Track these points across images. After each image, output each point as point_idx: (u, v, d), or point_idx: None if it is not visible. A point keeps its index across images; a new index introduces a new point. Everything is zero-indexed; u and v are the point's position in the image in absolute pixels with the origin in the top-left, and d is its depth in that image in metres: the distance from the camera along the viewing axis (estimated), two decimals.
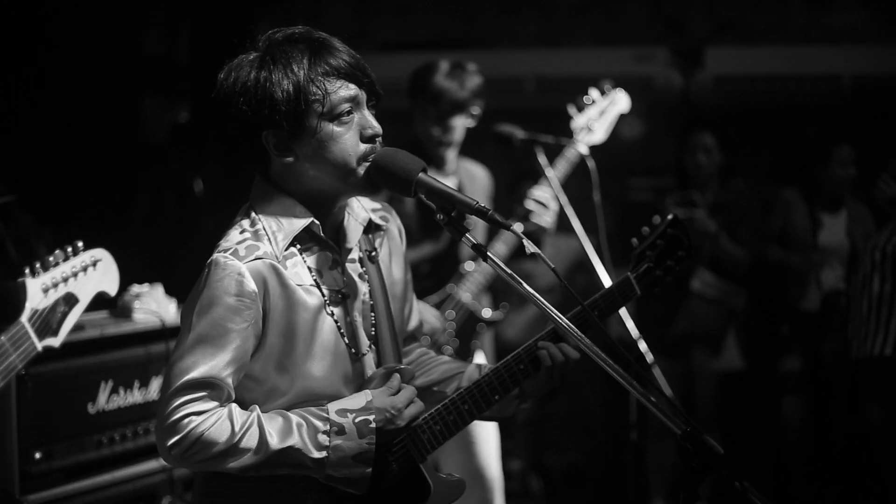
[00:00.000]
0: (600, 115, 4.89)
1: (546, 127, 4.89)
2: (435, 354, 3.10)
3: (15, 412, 3.95)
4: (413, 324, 3.07)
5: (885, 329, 5.20)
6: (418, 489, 2.81)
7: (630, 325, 4.39)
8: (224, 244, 2.66)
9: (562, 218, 4.64)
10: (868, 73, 7.40)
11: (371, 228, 2.87)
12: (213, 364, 2.59)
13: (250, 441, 2.58)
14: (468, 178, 4.92)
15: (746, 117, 7.60)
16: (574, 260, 7.25)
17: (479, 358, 4.84)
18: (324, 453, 2.60)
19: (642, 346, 4.30)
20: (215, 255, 2.63)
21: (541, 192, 4.74)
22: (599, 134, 4.88)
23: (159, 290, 4.70)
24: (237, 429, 2.58)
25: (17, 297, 4.26)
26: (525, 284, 2.49)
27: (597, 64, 7.43)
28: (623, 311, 4.32)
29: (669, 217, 3.04)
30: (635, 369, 2.50)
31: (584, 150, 4.76)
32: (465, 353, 4.75)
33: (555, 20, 8.19)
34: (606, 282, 4.09)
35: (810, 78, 7.48)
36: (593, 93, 4.94)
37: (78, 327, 4.31)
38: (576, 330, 2.49)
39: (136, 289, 4.65)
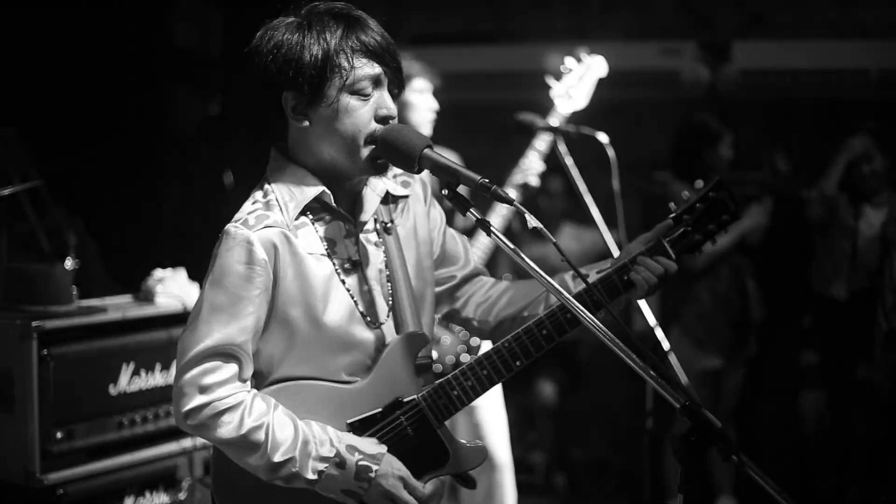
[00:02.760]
0: (579, 81, 4.93)
1: (573, 119, 4.92)
2: (507, 283, 3.06)
3: (37, 392, 4.01)
4: (467, 268, 3.05)
5: None
6: (437, 454, 2.82)
7: (648, 313, 4.41)
8: (236, 216, 2.70)
9: (585, 210, 4.65)
10: None
11: (390, 199, 2.89)
12: (228, 332, 2.63)
13: (256, 440, 2.62)
14: None
15: (774, 111, 7.56)
16: (595, 251, 7.26)
17: None
18: (316, 477, 2.65)
19: (659, 333, 4.31)
20: (227, 227, 2.67)
21: (528, 164, 4.78)
22: (580, 100, 4.91)
23: (182, 274, 4.76)
24: (248, 424, 2.62)
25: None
26: (526, 258, 2.50)
27: (624, 58, 7.39)
28: (642, 302, 4.34)
29: (715, 179, 2.90)
30: (637, 346, 2.52)
31: (565, 112, 4.81)
32: None
33: (584, 15, 8.19)
34: None
35: (838, 72, 7.44)
36: (569, 61, 4.97)
37: (100, 310, 4.39)
38: (577, 304, 2.50)
39: (159, 273, 4.71)
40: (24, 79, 6.45)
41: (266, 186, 2.74)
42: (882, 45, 7.47)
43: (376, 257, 2.81)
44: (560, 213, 7.44)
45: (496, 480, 4.85)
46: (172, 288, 4.64)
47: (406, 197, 2.92)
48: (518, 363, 2.80)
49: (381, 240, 2.83)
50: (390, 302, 2.81)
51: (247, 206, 2.72)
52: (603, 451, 7.78)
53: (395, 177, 2.91)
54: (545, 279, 2.51)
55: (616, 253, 4.25)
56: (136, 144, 7.03)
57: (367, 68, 2.66)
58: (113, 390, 4.29)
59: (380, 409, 2.77)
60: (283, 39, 2.66)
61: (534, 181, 4.80)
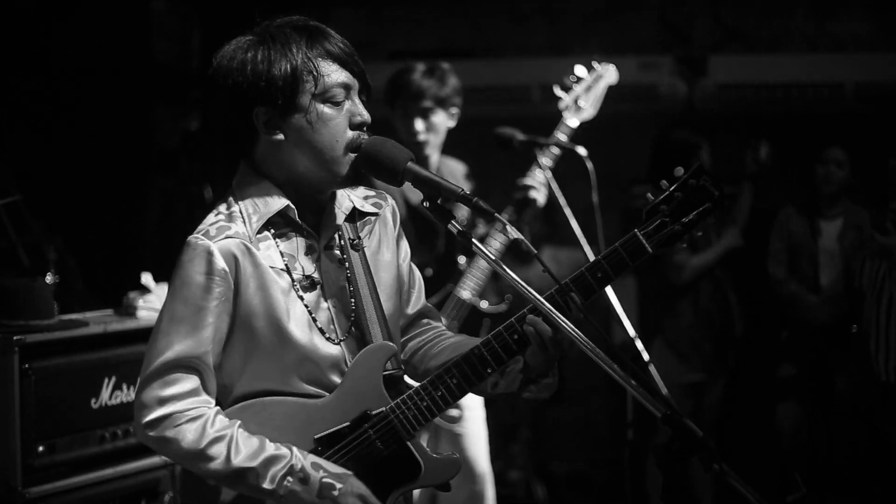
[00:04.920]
0: (587, 91, 4.93)
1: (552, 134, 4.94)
2: (451, 334, 3.02)
3: (18, 406, 4.00)
4: (417, 307, 3.03)
5: None
6: (408, 467, 2.78)
7: (627, 325, 4.43)
8: (199, 227, 2.70)
9: (563, 228, 4.67)
10: (871, 81, 7.43)
11: (356, 217, 2.88)
12: (189, 343, 2.62)
13: (216, 451, 2.61)
14: (450, 177, 4.97)
15: (750, 125, 7.62)
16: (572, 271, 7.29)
17: None
18: (275, 487, 2.62)
19: (639, 345, 4.33)
20: (188, 238, 2.67)
21: (531, 178, 4.79)
22: (589, 110, 4.91)
23: (163, 289, 4.74)
24: (210, 435, 2.61)
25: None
26: (509, 271, 2.52)
27: None
28: (621, 312, 4.36)
29: (696, 165, 2.72)
30: (618, 356, 2.53)
31: (574, 124, 4.82)
32: None
33: (562, 29, 8.23)
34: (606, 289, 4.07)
35: (814, 86, 7.51)
36: (579, 70, 4.98)
37: (81, 323, 4.39)
38: (556, 313, 2.52)
39: (145, 279, 4.72)
40: (5, 94, 6.45)
41: (230, 199, 2.74)
42: (857, 58, 7.55)
43: (338, 274, 2.80)
44: (535, 236, 7.45)
45: (477, 492, 4.86)
46: (153, 302, 4.64)
47: (374, 216, 2.91)
48: (489, 370, 2.72)
49: (345, 256, 2.81)
50: (352, 318, 2.80)
51: (210, 218, 2.71)
52: (584, 464, 7.80)
53: (366, 197, 2.91)
54: (525, 289, 2.53)
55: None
56: (116, 159, 7.03)
57: (336, 75, 2.67)
58: (95, 404, 4.28)
59: (347, 423, 2.74)
60: (247, 57, 2.66)
61: (540, 198, 4.80)
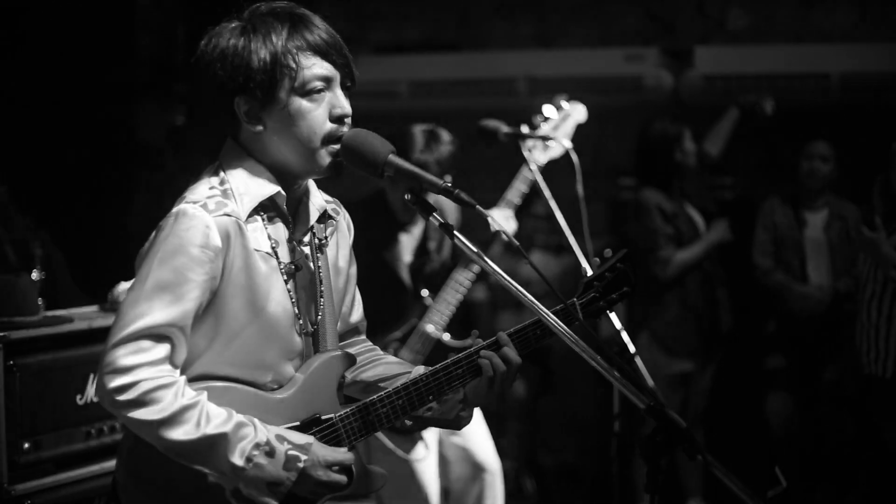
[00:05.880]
0: (554, 130, 4.91)
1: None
2: (381, 351, 3.10)
3: (3, 403, 3.98)
4: (356, 317, 3.08)
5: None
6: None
7: (614, 317, 4.43)
8: (191, 196, 2.66)
9: (550, 234, 4.70)
10: (857, 72, 7.44)
11: (324, 218, 2.89)
12: (169, 313, 2.58)
13: (187, 417, 2.57)
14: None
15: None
16: (558, 277, 7.30)
17: None
18: (244, 463, 2.60)
19: (625, 337, 4.33)
20: (183, 205, 2.63)
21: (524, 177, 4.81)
22: (556, 149, 4.87)
23: None
24: (181, 402, 2.57)
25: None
26: (490, 262, 2.52)
27: (588, 65, 7.49)
28: None
29: (622, 252, 3.05)
30: (603, 349, 2.54)
31: (541, 162, 4.82)
32: None
33: (548, 22, 8.24)
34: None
35: (799, 76, 7.52)
36: (547, 109, 4.97)
37: (67, 320, 4.37)
38: (546, 311, 2.53)
39: (124, 285, 4.69)
40: None
41: (222, 174, 2.71)
42: (843, 49, 7.56)
43: (307, 270, 2.81)
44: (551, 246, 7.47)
45: (487, 484, 4.89)
46: None
47: (335, 222, 2.93)
48: (431, 397, 2.81)
49: (317, 255, 2.84)
50: (319, 315, 2.83)
51: (203, 190, 2.68)
52: (572, 457, 7.81)
53: (326, 202, 2.92)
54: (510, 283, 2.54)
55: (583, 261, 4.28)
56: (101, 154, 7.01)
57: (316, 68, 2.67)
58: (80, 400, 4.26)
59: (297, 423, 2.76)
60: (228, 45, 2.65)
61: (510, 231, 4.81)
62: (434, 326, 4.78)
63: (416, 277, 4.88)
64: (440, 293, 4.79)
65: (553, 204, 4.51)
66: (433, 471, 4.90)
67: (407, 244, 4.89)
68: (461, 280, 4.77)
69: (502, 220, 4.78)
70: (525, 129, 4.83)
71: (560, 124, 4.93)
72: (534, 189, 4.91)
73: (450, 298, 4.78)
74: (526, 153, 4.74)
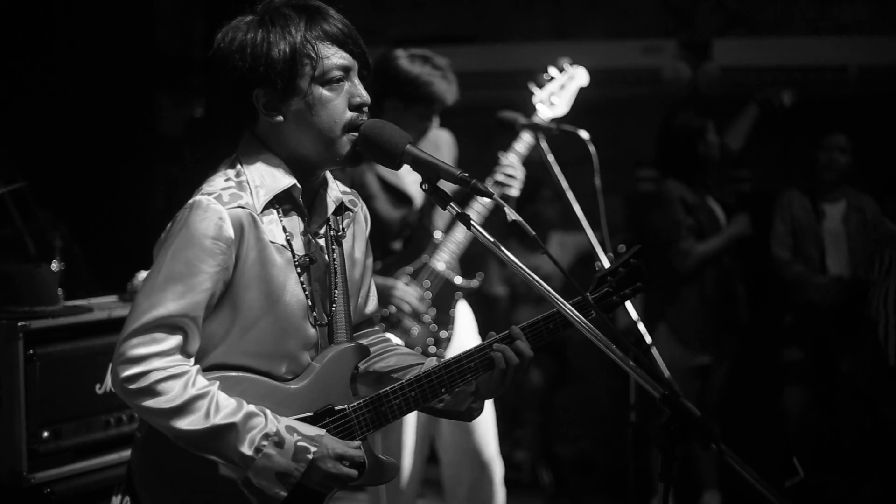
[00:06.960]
0: (560, 89, 4.96)
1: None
2: (394, 342, 3.12)
3: (23, 392, 4.01)
4: (370, 308, 3.10)
5: None
6: (352, 466, 2.77)
7: (630, 308, 4.44)
8: (207, 188, 2.69)
9: (567, 213, 4.69)
10: (874, 64, 7.42)
11: (341, 210, 2.92)
12: (181, 303, 2.61)
13: (197, 406, 2.60)
14: (433, 147, 5.00)
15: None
16: (577, 255, 7.32)
17: (458, 327, 4.88)
18: (253, 453, 2.62)
19: (641, 328, 4.34)
20: (198, 197, 2.66)
21: (508, 164, 4.81)
22: (561, 108, 4.93)
23: None
24: (191, 392, 2.60)
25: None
26: (506, 252, 2.53)
27: (606, 57, 7.46)
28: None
29: (636, 247, 3.02)
30: (619, 339, 2.55)
31: (545, 118, 4.85)
32: (444, 322, 4.81)
33: (565, 14, 8.23)
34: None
35: (817, 69, 7.51)
36: (551, 70, 5.01)
37: (86, 309, 4.40)
38: (556, 295, 2.54)
39: (143, 274, 4.72)
40: (9, 83, 6.46)
41: (238, 167, 2.74)
42: (861, 41, 7.54)
43: (323, 262, 2.84)
44: (549, 221, 7.48)
45: (482, 476, 4.88)
46: None
47: (352, 213, 2.95)
48: (444, 390, 2.83)
49: (333, 247, 2.87)
50: (333, 307, 2.85)
51: (218, 182, 2.71)
52: (588, 448, 7.82)
53: (343, 193, 2.95)
54: (527, 273, 2.55)
55: (600, 253, 4.30)
56: (120, 147, 7.04)
57: (335, 58, 2.70)
58: (99, 389, 4.29)
59: (311, 414, 2.78)
60: (247, 38, 2.67)
61: (514, 192, 4.82)
62: (444, 264, 4.81)
63: (424, 212, 4.92)
64: (450, 231, 4.82)
65: (571, 196, 4.52)
66: (487, 416, 4.91)
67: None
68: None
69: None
70: (539, 119, 4.84)
71: (566, 84, 4.97)
72: (543, 174, 4.93)
73: (459, 237, 4.81)
74: (543, 144, 4.75)
